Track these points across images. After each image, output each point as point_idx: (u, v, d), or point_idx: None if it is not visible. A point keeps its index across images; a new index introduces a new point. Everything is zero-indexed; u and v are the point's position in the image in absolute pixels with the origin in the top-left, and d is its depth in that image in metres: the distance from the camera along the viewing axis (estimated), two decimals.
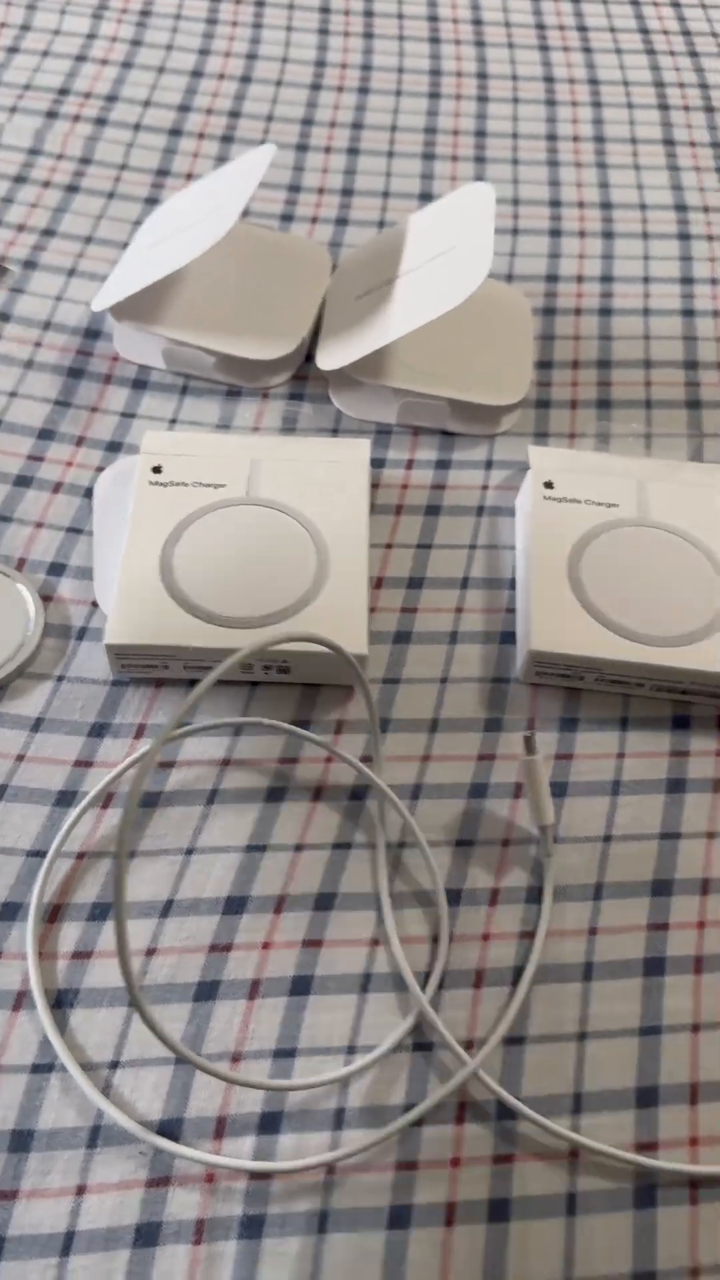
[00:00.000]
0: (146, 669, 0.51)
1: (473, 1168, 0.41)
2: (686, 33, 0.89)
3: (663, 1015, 0.44)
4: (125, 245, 0.69)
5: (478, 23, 0.88)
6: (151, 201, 0.72)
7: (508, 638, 0.54)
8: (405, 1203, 0.40)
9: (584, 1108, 0.42)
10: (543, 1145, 0.41)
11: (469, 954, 0.45)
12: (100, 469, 0.58)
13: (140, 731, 0.50)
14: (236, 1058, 0.42)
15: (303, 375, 0.63)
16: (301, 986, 0.44)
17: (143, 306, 0.61)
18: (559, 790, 0.49)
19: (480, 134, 0.80)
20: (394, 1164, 0.41)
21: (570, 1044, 0.43)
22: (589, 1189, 0.41)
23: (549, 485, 0.57)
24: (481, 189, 0.60)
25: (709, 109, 0.83)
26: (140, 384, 0.62)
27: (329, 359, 0.60)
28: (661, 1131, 0.42)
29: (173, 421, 0.61)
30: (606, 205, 0.75)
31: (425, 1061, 0.43)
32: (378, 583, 0.56)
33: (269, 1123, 0.41)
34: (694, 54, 0.87)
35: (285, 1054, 0.43)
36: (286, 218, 0.72)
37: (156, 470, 0.55)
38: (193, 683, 0.51)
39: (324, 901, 0.46)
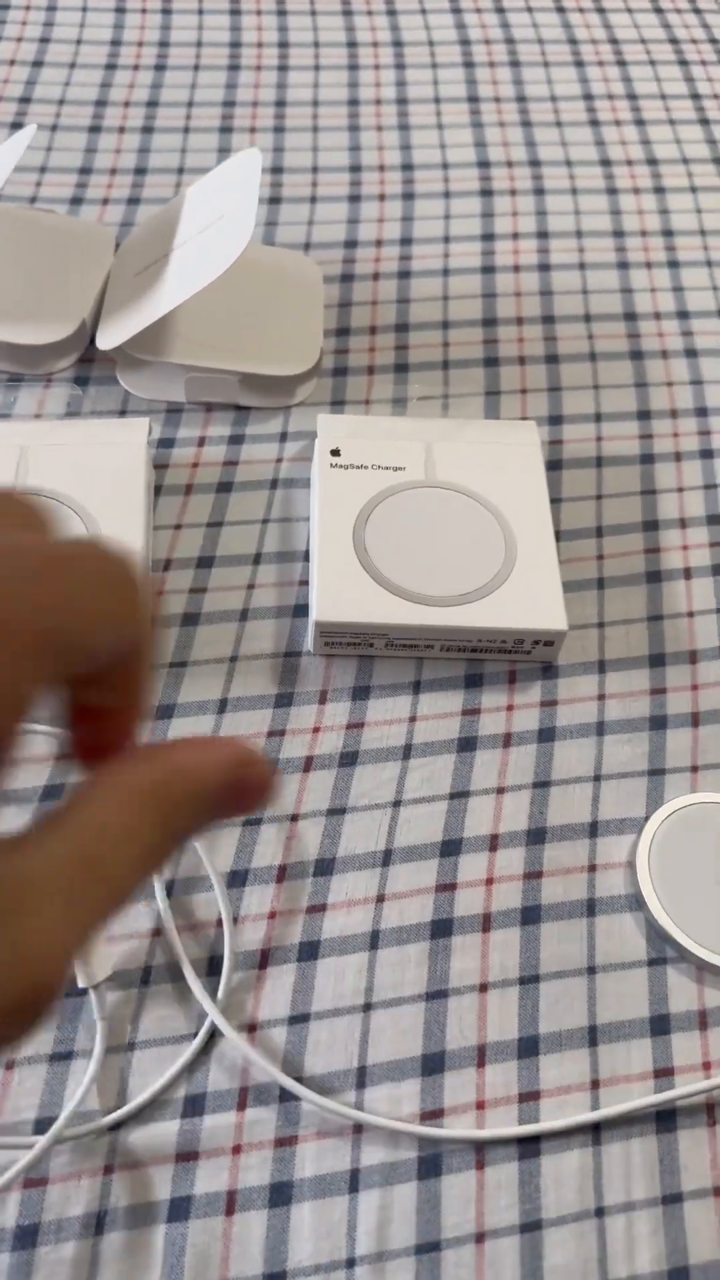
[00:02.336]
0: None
1: (253, 1153, 0.40)
2: None
3: (449, 978, 0.43)
4: None
5: None
6: None
7: (301, 611, 0.53)
8: (185, 1194, 0.39)
9: (368, 1081, 0.41)
10: (326, 1124, 0.40)
11: (256, 934, 0.44)
12: None
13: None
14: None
15: (89, 358, 0.62)
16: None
17: None
18: (349, 760, 0.48)
19: (280, 104, 0.78)
20: (173, 1156, 0.40)
21: (356, 1016, 0.42)
22: (372, 1164, 0.40)
23: (335, 453, 0.55)
24: (249, 155, 0.59)
25: (514, 63, 0.82)
26: None
27: (107, 338, 0.58)
28: (448, 1098, 0.41)
29: None
30: (408, 167, 0.74)
31: (211, 1049, 0.42)
32: (165, 564, 0.54)
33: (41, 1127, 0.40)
34: (500, 10, 0.86)
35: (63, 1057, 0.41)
36: (77, 201, 0.70)
37: None
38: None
39: None
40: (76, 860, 0.20)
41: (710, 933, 0.44)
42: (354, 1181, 0.39)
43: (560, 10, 0.87)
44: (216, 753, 0.23)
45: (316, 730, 0.49)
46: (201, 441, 0.59)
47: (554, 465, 0.59)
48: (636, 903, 0.45)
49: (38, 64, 0.79)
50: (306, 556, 0.55)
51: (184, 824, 0.22)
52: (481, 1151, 0.40)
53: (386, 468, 0.55)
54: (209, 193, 0.61)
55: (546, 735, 0.49)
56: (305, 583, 0.54)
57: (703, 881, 0.45)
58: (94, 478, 0.53)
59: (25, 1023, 0.19)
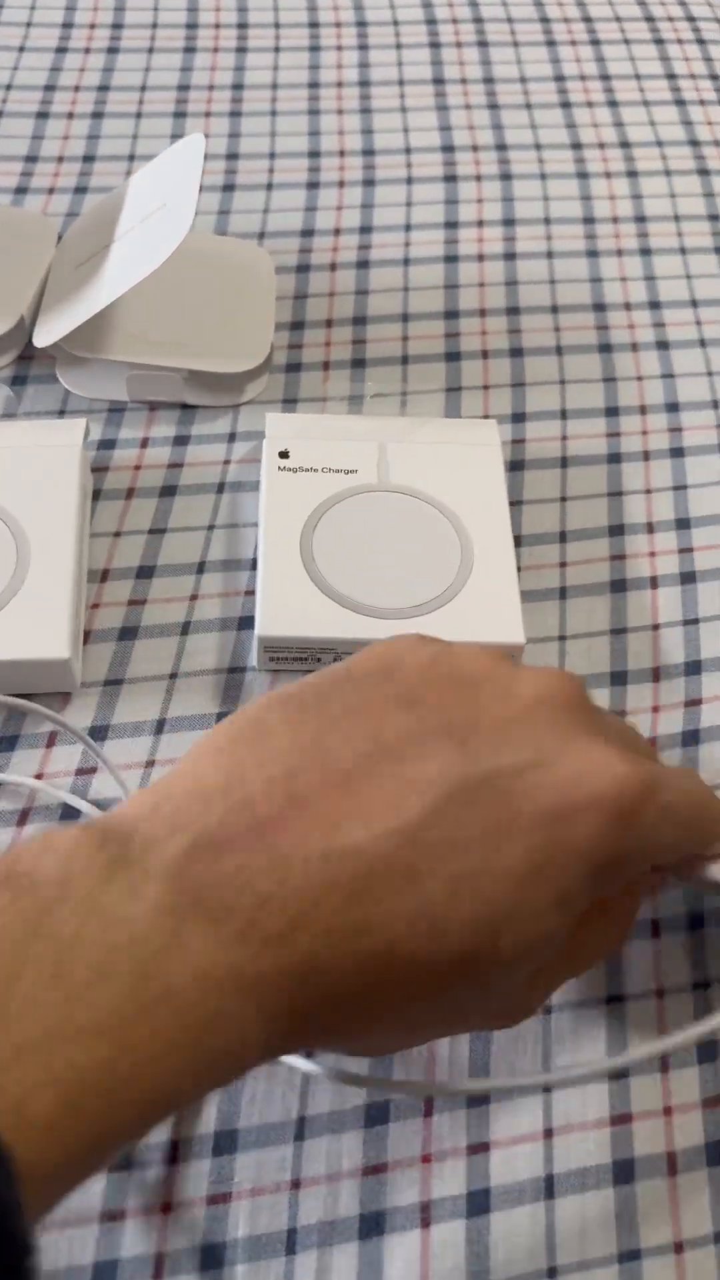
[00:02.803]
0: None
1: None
2: None
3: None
4: None
5: None
6: None
7: (247, 623, 0.50)
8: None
9: (308, 1133, 0.38)
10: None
11: None
12: None
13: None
14: None
15: (28, 356, 0.58)
16: None
17: None
18: None
19: (237, 87, 0.75)
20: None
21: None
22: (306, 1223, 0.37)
23: (284, 454, 0.53)
24: (193, 141, 0.56)
25: (482, 44, 0.79)
26: None
27: (44, 334, 0.55)
28: (391, 1151, 0.38)
29: None
30: (369, 152, 0.71)
31: None
32: (102, 575, 0.51)
33: None
34: None
35: None
36: (21, 190, 0.67)
37: None
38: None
39: None
40: None
41: None
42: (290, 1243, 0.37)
43: None
44: None
45: None
46: (144, 443, 0.56)
47: (516, 466, 0.56)
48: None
49: None
50: (254, 565, 0.52)
51: None
52: (428, 1210, 0.37)
53: (338, 470, 0.52)
54: (152, 180, 0.57)
55: None
56: (252, 593, 0.51)
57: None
58: (25, 484, 0.50)
59: None
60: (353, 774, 0.29)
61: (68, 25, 0.78)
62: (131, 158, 0.70)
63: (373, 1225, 0.37)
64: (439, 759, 0.30)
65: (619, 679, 0.49)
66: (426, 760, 0.30)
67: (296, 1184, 0.38)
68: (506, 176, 0.70)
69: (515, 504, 0.54)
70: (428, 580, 0.49)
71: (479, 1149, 0.38)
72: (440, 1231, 0.37)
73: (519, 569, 0.52)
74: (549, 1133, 0.39)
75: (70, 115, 0.72)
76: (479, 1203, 0.37)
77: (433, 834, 0.29)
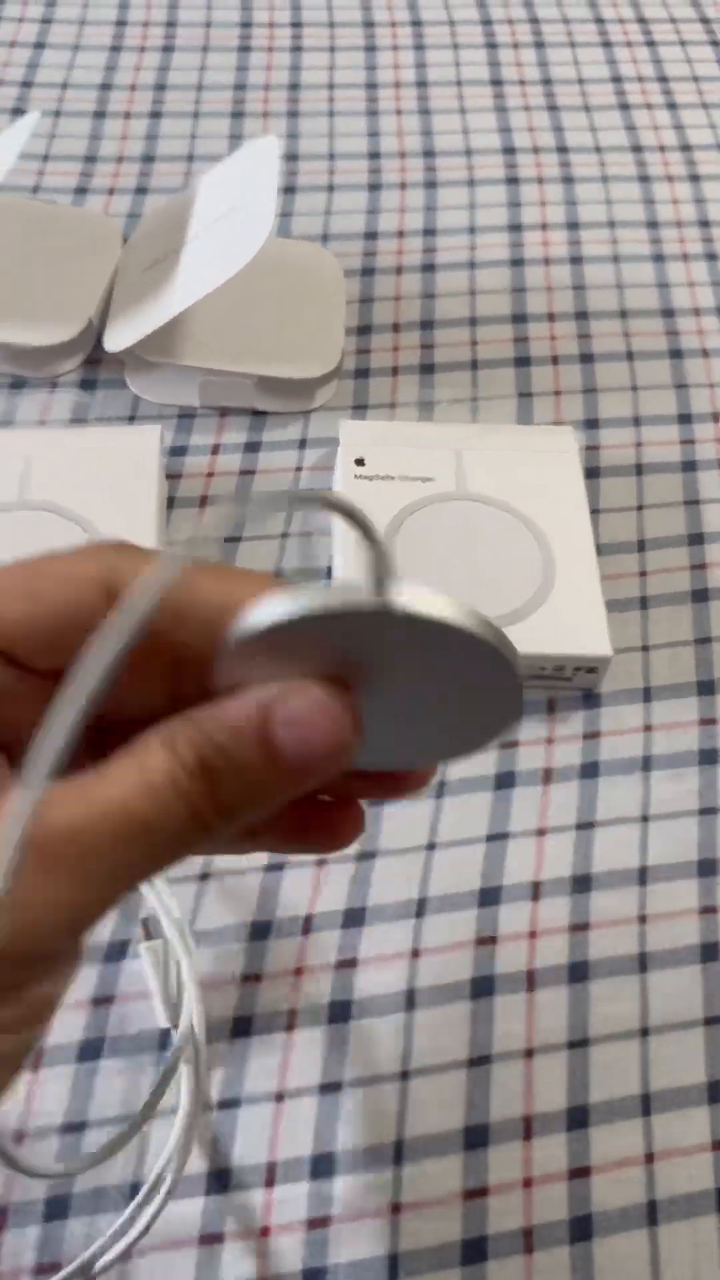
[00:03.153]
0: None
1: (284, 1236, 0.36)
2: None
3: (492, 1043, 0.40)
4: None
5: None
6: None
7: None
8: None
9: (405, 1156, 0.38)
10: (361, 1205, 0.37)
11: (280, 992, 0.41)
12: None
13: None
14: None
15: (96, 359, 0.58)
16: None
17: None
18: (377, 800, 0.45)
19: (294, 87, 0.74)
20: (196, 1238, 0.36)
21: (393, 1085, 0.39)
22: (410, 1249, 0.36)
23: (360, 462, 0.52)
24: (265, 143, 0.55)
25: (539, 44, 0.78)
26: None
27: (115, 339, 0.54)
28: (492, 1175, 0.38)
29: None
30: (430, 154, 0.70)
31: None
32: None
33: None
34: None
35: None
36: (81, 190, 0.67)
37: None
38: None
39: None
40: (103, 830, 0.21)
41: None
42: (392, 1269, 0.36)
43: None
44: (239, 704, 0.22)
45: None
46: (216, 449, 0.55)
47: (591, 473, 0.55)
48: (694, 955, 0.42)
49: (39, 46, 0.75)
50: (329, 574, 0.51)
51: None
52: (530, 1235, 0.37)
53: (414, 478, 0.51)
54: (222, 182, 0.57)
55: (589, 771, 0.46)
56: None
57: None
58: (103, 490, 0.49)
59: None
60: None
61: (121, 23, 0.77)
62: (190, 158, 0.69)
63: (475, 1252, 0.36)
64: None
65: (705, 689, 0.48)
66: None
67: (397, 1208, 0.37)
68: (568, 180, 0.69)
69: (593, 513, 0.54)
70: (510, 590, 0.48)
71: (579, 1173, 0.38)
72: (540, 1260, 0.36)
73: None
74: (649, 1158, 0.38)
75: (127, 115, 0.71)
76: (581, 1228, 0.37)
77: None
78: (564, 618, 0.47)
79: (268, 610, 0.21)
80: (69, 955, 0.23)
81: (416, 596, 0.21)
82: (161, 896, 0.40)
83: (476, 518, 0.50)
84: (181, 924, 0.40)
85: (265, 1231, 0.37)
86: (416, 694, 0.24)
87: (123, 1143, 0.35)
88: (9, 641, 0.23)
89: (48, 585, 0.23)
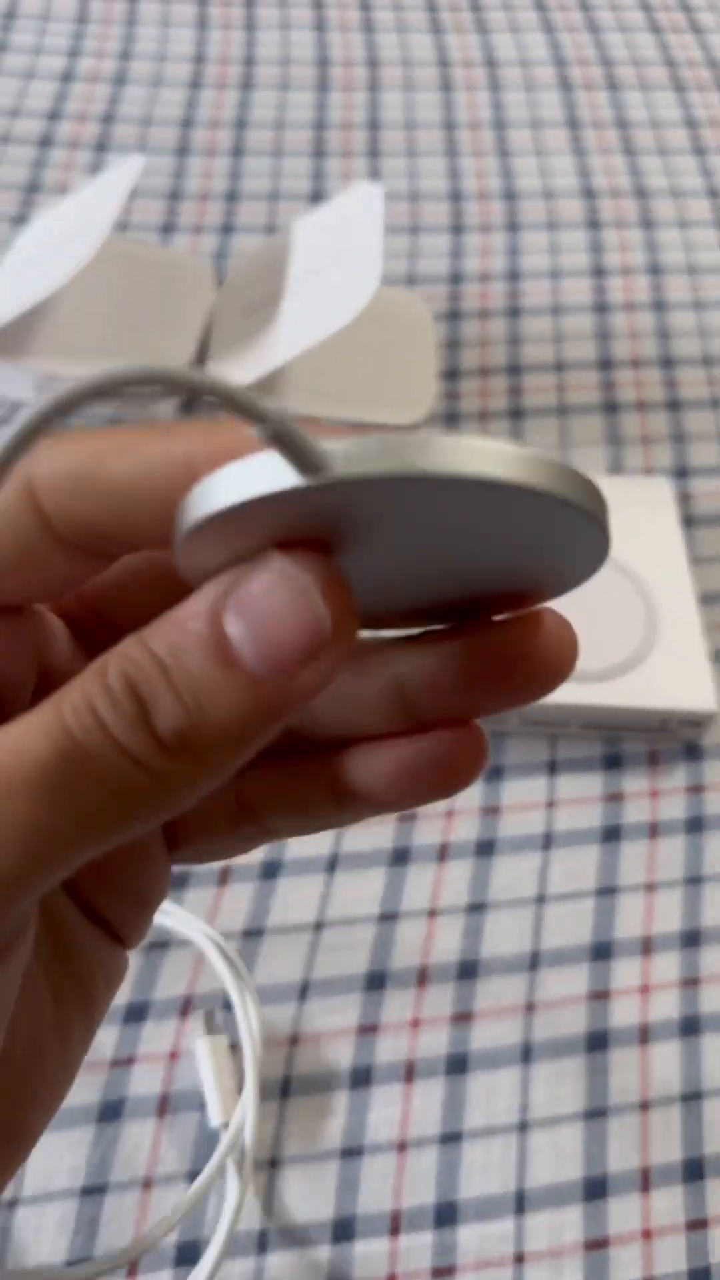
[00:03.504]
0: None
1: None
2: (585, 6, 0.85)
3: (609, 1096, 0.41)
4: None
5: (365, 7, 0.84)
6: (21, 221, 0.67)
7: None
8: None
9: (527, 1206, 0.38)
10: (485, 1253, 0.38)
11: (399, 1044, 0.41)
12: None
13: None
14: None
15: (191, 401, 0.59)
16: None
17: (10, 338, 0.57)
18: (486, 849, 0.46)
19: (373, 126, 0.75)
20: None
21: (511, 1136, 0.40)
22: None
23: None
24: (369, 190, 0.56)
25: (612, 87, 0.79)
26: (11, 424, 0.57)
27: None
28: (612, 1226, 0.38)
29: None
30: (510, 196, 0.71)
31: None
32: None
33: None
34: (594, 29, 0.83)
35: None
36: (168, 228, 0.68)
37: None
38: None
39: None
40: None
41: None
42: None
43: (656, 31, 0.84)
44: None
45: (450, 814, 0.46)
46: None
47: (685, 522, 0.56)
48: None
49: (119, 81, 0.76)
50: None
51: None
52: None
53: None
54: (322, 229, 0.58)
55: (695, 825, 0.46)
56: None
57: None
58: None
59: None
60: None
61: (199, 61, 0.78)
62: (275, 197, 0.70)
63: None
64: None
65: None
66: None
67: (520, 1258, 0.38)
68: (648, 224, 0.70)
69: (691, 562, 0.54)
70: (613, 644, 0.49)
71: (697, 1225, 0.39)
72: None
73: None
74: None
75: (210, 152, 0.72)
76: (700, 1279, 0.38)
77: None
78: (668, 671, 0.48)
79: (199, 503, 0.16)
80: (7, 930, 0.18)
81: (433, 446, 0.15)
82: (242, 996, 0.41)
83: None
84: (250, 1018, 0.40)
85: None
86: (440, 550, 0.18)
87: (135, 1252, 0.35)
88: (59, 516, 0.18)
89: (116, 459, 0.18)
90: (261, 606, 0.16)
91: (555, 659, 0.19)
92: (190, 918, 0.42)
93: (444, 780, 0.20)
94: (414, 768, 0.20)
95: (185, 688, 0.16)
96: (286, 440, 0.15)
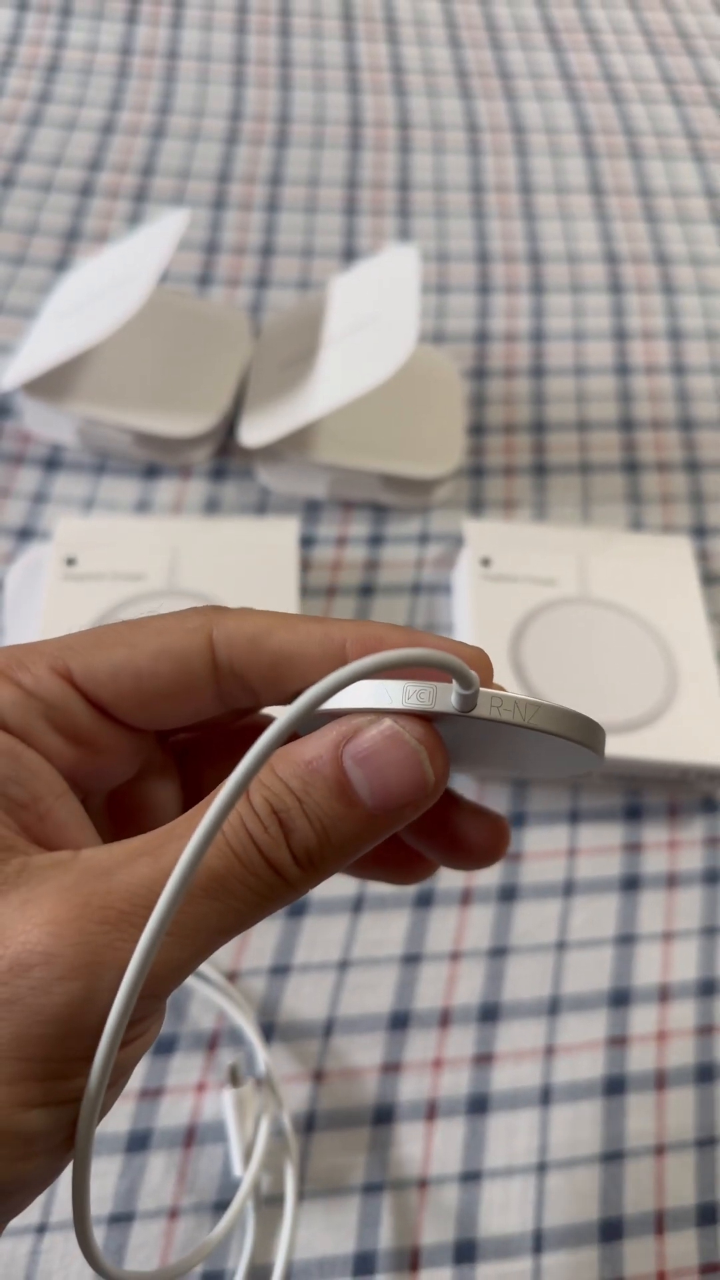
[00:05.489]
0: None
1: None
2: (609, 77, 0.88)
3: (625, 1139, 0.42)
4: (33, 315, 0.66)
5: (397, 70, 0.86)
6: (62, 266, 0.69)
7: None
8: None
9: (545, 1246, 0.39)
10: None
11: (421, 1083, 0.42)
12: (11, 558, 0.55)
13: None
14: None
15: (226, 449, 0.60)
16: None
17: (54, 382, 0.58)
18: (508, 894, 0.47)
19: (404, 187, 0.78)
20: None
21: (530, 1176, 0.41)
22: None
23: (486, 563, 0.54)
24: (405, 253, 0.58)
25: (635, 156, 0.82)
26: (54, 464, 0.59)
27: (253, 434, 0.57)
28: (628, 1268, 0.39)
29: (89, 503, 0.58)
30: (535, 259, 0.74)
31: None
32: None
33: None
34: (618, 100, 0.86)
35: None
36: (205, 280, 0.70)
37: (70, 563, 0.52)
38: None
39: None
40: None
41: None
42: None
43: (678, 103, 0.86)
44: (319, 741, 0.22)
45: None
46: (341, 541, 0.58)
47: (704, 580, 0.57)
48: None
49: (158, 134, 0.79)
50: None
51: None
52: None
53: (539, 580, 0.54)
54: (359, 287, 0.60)
55: (711, 876, 0.48)
56: None
57: None
58: (246, 580, 0.52)
59: None
60: None
61: (236, 117, 0.81)
62: (308, 253, 0.72)
63: None
64: None
65: None
66: None
67: None
68: (668, 289, 0.72)
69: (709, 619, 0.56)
70: (634, 697, 0.50)
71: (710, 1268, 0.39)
72: None
73: None
74: None
75: (245, 206, 0.75)
76: None
77: None
78: (687, 726, 0.49)
79: (340, 698, 0.22)
80: (152, 1017, 0.22)
81: (492, 702, 0.21)
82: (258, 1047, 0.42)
83: (600, 622, 0.53)
84: (272, 1073, 0.41)
85: None
86: (500, 751, 0.25)
87: None
88: (100, 689, 0.23)
89: (146, 634, 0.24)
90: (380, 760, 0.21)
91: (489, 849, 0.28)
92: (211, 990, 0.43)
93: (405, 872, 0.29)
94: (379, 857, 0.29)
95: (315, 817, 0.21)
96: (458, 676, 0.21)
